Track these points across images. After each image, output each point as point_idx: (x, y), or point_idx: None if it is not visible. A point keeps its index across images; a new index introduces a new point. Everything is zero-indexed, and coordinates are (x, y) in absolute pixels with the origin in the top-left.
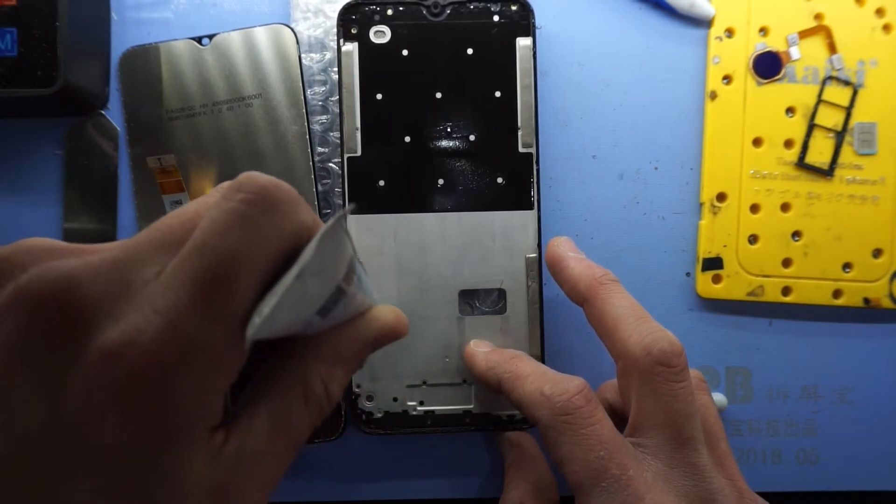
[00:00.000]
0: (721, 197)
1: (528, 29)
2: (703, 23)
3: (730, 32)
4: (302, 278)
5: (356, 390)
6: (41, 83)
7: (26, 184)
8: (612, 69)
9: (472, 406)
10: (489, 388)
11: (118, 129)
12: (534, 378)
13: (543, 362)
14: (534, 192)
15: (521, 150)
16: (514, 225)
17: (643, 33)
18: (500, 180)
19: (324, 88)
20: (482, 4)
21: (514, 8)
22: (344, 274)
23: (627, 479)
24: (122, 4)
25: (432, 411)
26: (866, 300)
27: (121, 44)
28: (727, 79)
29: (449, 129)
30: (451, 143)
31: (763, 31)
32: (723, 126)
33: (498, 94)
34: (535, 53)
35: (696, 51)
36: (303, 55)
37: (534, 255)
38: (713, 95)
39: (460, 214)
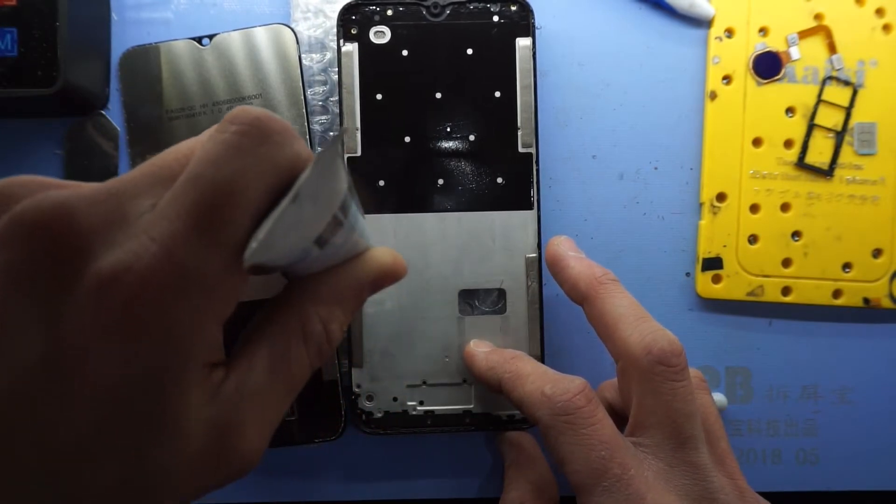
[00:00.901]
0: (721, 197)
1: (528, 29)
2: (703, 23)
3: (730, 32)
4: (298, 202)
5: (356, 390)
6: (41, 83)
7: None
8: (612, 69)
9: (472, 406)
10: (489, 388)
11: (118, 129)
12: (534, 378)
13: (543, 362)
14: (533, 192)
15: (520, 150)
16: (514, 225)
17: (643, 33)
18: (499, 180)
19: (324, 88)
20: (482, 5)
21: (513, 8)
22: (340, 203)
23: (629, 478)
24: (122, 4)
25: (432, 411)
26: (866, 300)
27: (121, 44)
28: (727, 79)
29: (449, 130)
30: (450, 143)
31: (763, 31)
32: (723, 126)
33: (498, 94)
34: (534, 53)
35: (696, 51)
36: (303, 55)
37: (534, 254)
38: (713, 95)
39: (460, 214)
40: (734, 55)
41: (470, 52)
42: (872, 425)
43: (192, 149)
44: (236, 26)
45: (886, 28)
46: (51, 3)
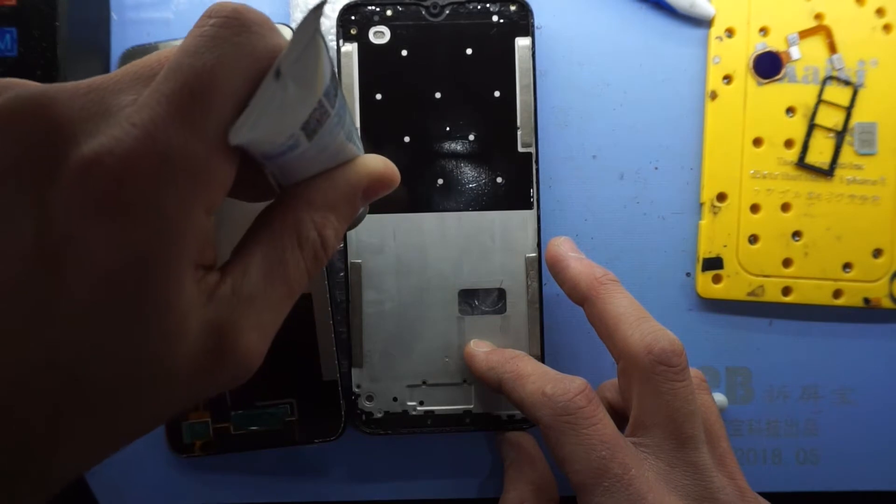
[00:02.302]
0: (721, 197)
1: (528, 29)
2: (703, 23)
3: (730, 32)
4: (282, 80)
5: (356, 390)
6: (41, 83)
7: None
8: (612, 69)
9: (472, 406)
10: (489, 388)
11: None
12: (535, 378)
13: (543, 362)
14: (533, 192)
15: (520, 149)
16: (514, 225)
17: (643, 33)
18: (499, 180)
19: None
20: (481, 5)
21: (512, 8)
22: (325, 87)
23: (629, 478)
24: (122, 4)
25: (432, 411)
26: (866, 300)
27: (121, 44)
28: (727, 79)
29: (448, 129)
30: (450, 143)
31: (763, 30)
32: (723, 126)
33: (497, 93)
34: (534, 53)
35: (697, 51)
36: None
37: (533, 254)
38: (713, 95)
39: (460, 214)
40: (734, 55)
41: (469, 51)
42: (873, 425)
43: (172, 52)
44: None
45: (887, 28)
46: (51, 3)
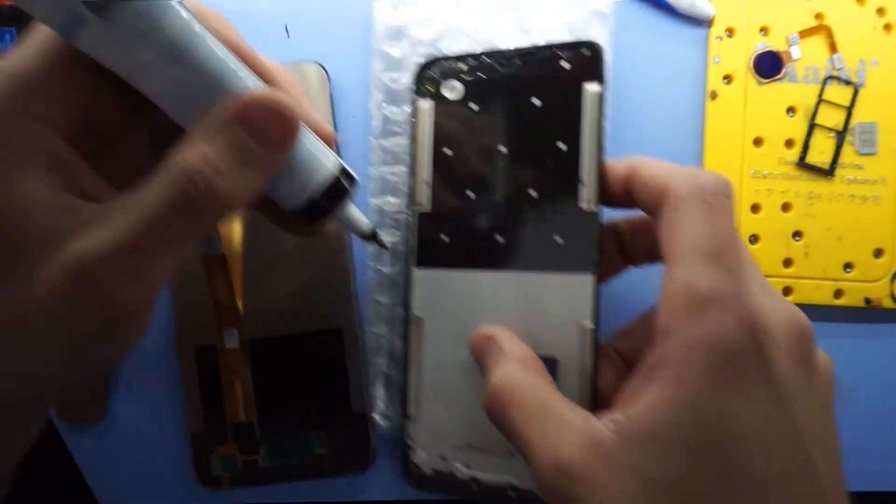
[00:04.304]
0: None
1: (599, 74)
2: (703, 22)
3: (730, 32)
4: None
5: (408, 442)
6: None
7: None
8: (612, 69)
9: (518, 481)
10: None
11: None
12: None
13: None
14: (594, 255)
15: (582, 207)
16: (571, 290)
17: (643, 33)
18: (559, 240)
19: (403, 140)
20: (551, 51)
21: (584, 52)
22: None
23: None
24: None
25: (478, 478)
26: (867, 300)
27: None
28: (728, 78)
29: (510, 184)
30: (511, 199)
31: (763, 30)
32: (723, 126)
33: (563, 146)
34: (603, 100)
35: (697, 51)
36: (384, 105)
37: (590, 325)
38: (713, 95)
39: (516, 274)
40: (735, 55)
41: (537, 102)
42: (874, 425)
43: None
44: (235, 26)
45: (887, 27)
46: None
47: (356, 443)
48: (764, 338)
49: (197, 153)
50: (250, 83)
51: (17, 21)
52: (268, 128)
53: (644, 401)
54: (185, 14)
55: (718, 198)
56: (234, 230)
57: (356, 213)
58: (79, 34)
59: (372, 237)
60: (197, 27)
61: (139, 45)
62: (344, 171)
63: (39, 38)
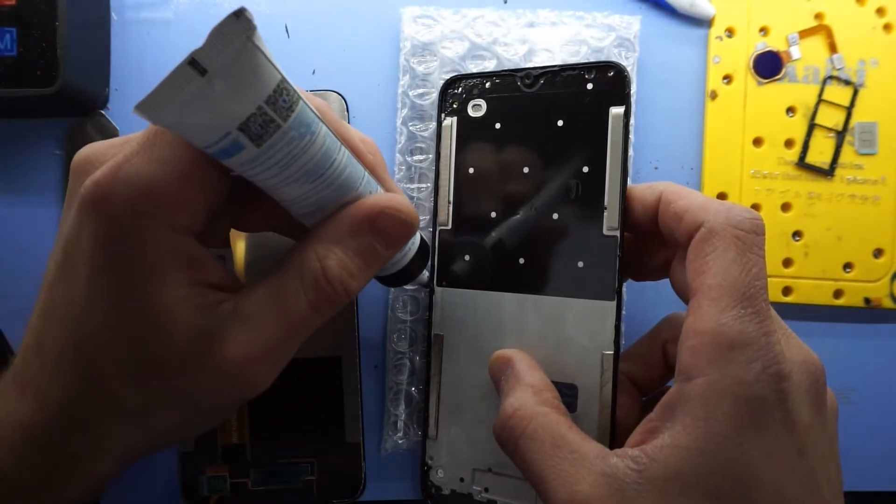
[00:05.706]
0: (721, 197)
1: (623, 97)
2: (703, 22)
3: (730, 32)
4: (208, 78)
5: (428, 461)
6: (41, 83)
7: (26, 184)
8: None
9: None
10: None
11: (118, 129)
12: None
13: None
14: (616, 281)
15: (605, 232)
16: (592, 316)
17: (643, 33)
18: (580, 265)
19: (429, 157)
20: (576, 73)
21: (609, 74)
22: (267, 97)
23: None
24: (122, 4)
25: (495, 501)
26: (867, 300)
27: (121, 44)
28: (727, 78)
29: (533, 206)
30: (534, 221)
31: (763, 30)
32: (723, 126)
33: (586, 168)
34: (627, 124)
35: (697, 51)
36: (410, 123)
37: (610, 352)
38: (713, 95)
39: (537, 298)
40: (735, 55)
41: (561, 123)
42: (874, 425)
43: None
44: None
45: (887, 27)
46: (51, 3)
47: (347, 471)
48: (787, 385)
49: (335, 259)
50: (372, 187)
51: (18, 21)
52: (392, 232)
53: (664, 441)
54: (324, 130)
55: (752, 236)
56: (237, 253)
57: (425, 273)
58: (231, 158)
59: (427, 286)
60: (335, 142)
61: (287, 165)
62: (423, 245)
63: (171, 149)
